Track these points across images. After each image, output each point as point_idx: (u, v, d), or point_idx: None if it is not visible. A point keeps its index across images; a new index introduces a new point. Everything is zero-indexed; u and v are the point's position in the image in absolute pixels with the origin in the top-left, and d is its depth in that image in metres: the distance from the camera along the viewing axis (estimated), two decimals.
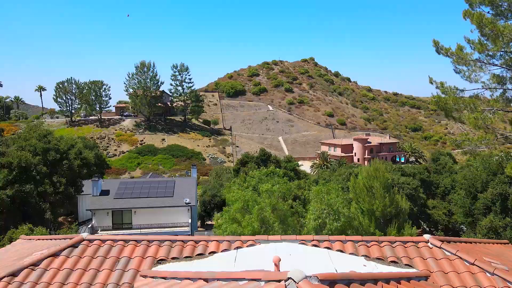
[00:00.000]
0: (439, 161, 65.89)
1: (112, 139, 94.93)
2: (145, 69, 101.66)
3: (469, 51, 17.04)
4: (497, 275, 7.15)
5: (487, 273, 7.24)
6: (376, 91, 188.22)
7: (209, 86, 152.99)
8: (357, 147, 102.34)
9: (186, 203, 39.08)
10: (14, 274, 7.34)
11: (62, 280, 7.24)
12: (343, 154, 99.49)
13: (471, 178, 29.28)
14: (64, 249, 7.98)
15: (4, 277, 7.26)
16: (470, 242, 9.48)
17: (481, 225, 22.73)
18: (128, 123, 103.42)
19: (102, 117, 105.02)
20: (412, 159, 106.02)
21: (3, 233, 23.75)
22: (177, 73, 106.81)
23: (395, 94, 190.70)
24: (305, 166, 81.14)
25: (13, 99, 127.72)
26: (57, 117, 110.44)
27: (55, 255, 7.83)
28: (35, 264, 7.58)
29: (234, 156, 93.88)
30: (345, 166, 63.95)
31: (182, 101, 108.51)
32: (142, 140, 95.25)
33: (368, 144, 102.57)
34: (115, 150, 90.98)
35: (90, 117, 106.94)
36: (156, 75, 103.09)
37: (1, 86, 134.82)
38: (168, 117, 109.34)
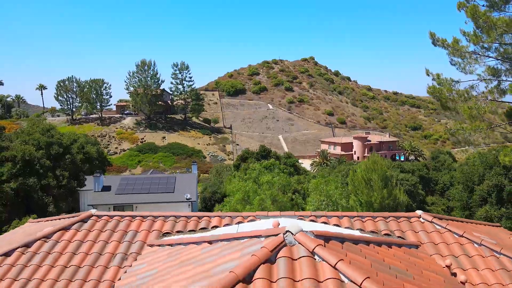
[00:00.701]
0: (438, 158, 66.30)
1: (113, 137, 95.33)
2: (146, 67, 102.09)
3: (465, 43, 17.47)
4: (484, 245, 7.57)
5: (474, 244, 7.65)
6: (376, 90, 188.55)
7: (210, 85, 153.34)
8: (356, 145, 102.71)
9: (187, 199, 39.47)
10: (27, 245, 7.76)
11: (73, 250, 7.66)
12: (343, 153, 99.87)
13: (469, 172, 29.67)
14: (74, 223, 8.39)
15: (18, 247, 7.67)
16: (462, 221, 9.88)
17: (477, 216, 23.14)
18: (128, 121, 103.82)
19: (103, 116, 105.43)
20: (411, 157, 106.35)
21: (8, 225, 24.15)
22: (177, 72, 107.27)
23: (395, 93, 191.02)
24: (305, 164, 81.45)
25: (14, 98, 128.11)
26: (58, 116, 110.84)
27: (65, 229, 8.25)
28: (47, 236, 8.00)
29: (234, 154, 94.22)
30: (344, 164, 64.35)
31: (183, 99, 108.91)
32: (143, 138, 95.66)
33: (368, 143, 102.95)
34: (115, 148, 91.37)
35: (91, 116, 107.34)
36: (157, 73, 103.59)
37: (2, 85, 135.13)
38: (168, 116, 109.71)
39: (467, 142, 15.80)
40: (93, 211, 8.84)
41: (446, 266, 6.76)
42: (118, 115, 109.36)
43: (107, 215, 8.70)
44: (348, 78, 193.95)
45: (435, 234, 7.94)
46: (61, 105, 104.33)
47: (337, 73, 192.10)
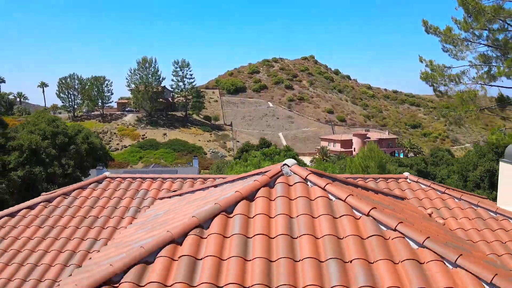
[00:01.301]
0: (437, 154, 67.00)
1: (114, 133, 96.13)
2: (147, 64, 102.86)
3: (457, 32, 18.25)
4: (463, 200, 8.34)
5: (455, 199, 8.42)
6: (376, 89, 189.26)
7: (210, 83, 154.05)
8: (356, 142, 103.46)
9: None
10: (48, 200, 8.53)
11: (91, 204, 8.43)
12: (342, 150, 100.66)
13: (464, 162, 30.44)
14: (91, 183, 9.16)
15: (40, 202, 8.45)
16: (447, 188, 10.63)
17: None
18: (130, 118, 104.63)
19: (104, 113, 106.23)
20: (411, 154, 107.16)
21: None
22: (178, 69, 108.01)
23: (395, 92, 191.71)
24: (305, 161, 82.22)
25: (15, 95, 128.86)
26: (60, 113, 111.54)
27: (82, 188, 9.01)
28: (66, 194, 8.77)
29: (235, 151, 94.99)
30: (344, 160, 65.09)
31: (183, 96, 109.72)
32: (144, 135, 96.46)
33: (367, 140, 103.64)
34: (117, 144, 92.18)
35: (92, 113, 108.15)
36: (158, 70, 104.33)
37: (4, 82, 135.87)
38: (169, 113, 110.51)
39: (458, 124, 16.56)
40: (106, 173, 9.62)
41: (428, 214, 7.52)
42: (119, 112, 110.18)
43: (120, 177, 9.47)
44: (348, 77, 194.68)
45: (419, 191, 8.71)
46: (63, 102, 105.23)
47: (337, 72, 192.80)
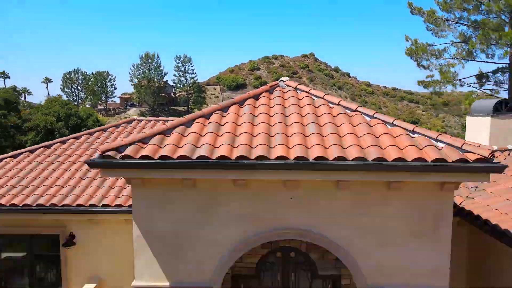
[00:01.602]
0: None
1: None
2: (149, 60, 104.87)
3: (440, 14, 20.21)
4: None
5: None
6: (375, 86, 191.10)
7: (211, 80, 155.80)
8: None
9: None
10: (90, 133, 10.48)
11: (125, 136, 10.37)
12: None
13: None
14: (122, 123, 11.11)
15: (84, 134, 10.40)
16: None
17: None
18: (133, 112, 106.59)
19: (107, 107, 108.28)
20: None
21: None
22: (180, 64, 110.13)
23: (394, 89, 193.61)
24: None
25: (20, 90, 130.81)
26: None
27: (115, 126, 10.97)
28: (104, 129, 10.72)
29: None
30: None
31: (185, 91, 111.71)
32: None
33: None
34: None
35: (96, 107, 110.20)
36: (160, 65, 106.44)
37: (9, 78, 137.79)
38: (171, 107, 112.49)
39: (438, 94, 18.49)
40: (134, 117, 11.56)
41: None
42: (122, 107, 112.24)
43: (145, 119, 11.42)
44: (348, 74, 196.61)
45: None
46: (67, 97, 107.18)
47: (336, 69, 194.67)
